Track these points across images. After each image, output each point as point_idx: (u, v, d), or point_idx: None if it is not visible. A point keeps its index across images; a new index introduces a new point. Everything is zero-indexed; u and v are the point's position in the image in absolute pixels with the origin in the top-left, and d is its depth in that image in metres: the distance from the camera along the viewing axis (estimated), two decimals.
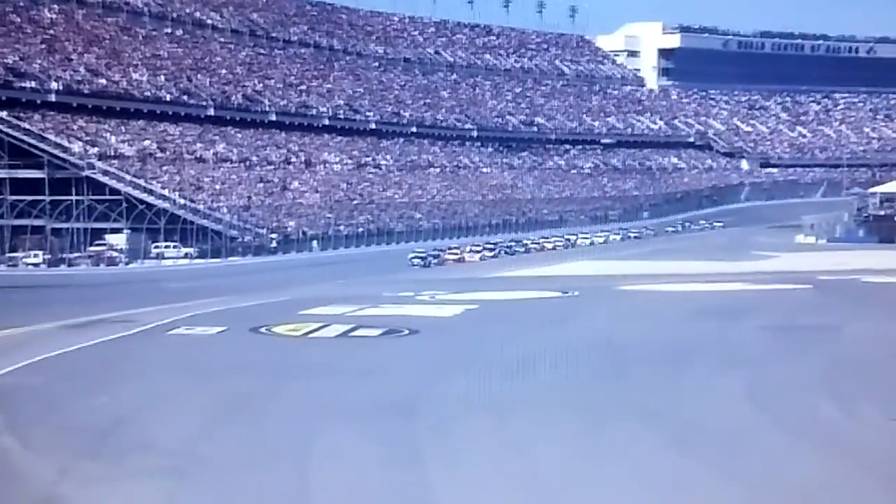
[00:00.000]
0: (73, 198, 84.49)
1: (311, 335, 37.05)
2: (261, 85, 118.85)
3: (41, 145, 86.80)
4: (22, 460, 20.36)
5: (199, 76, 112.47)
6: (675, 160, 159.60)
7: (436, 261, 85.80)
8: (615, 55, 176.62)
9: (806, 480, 18.29)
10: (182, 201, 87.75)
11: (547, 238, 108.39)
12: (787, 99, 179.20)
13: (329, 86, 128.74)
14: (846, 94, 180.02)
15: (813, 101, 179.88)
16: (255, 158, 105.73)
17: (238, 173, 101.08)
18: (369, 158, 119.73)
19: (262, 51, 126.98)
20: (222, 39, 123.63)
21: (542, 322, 41.52)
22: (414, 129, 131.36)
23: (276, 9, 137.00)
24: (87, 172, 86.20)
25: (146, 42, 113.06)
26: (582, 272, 68.13)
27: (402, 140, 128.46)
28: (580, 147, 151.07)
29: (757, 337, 35.67)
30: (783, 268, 69.09)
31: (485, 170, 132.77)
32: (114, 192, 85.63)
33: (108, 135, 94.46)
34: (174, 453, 20.57)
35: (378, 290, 56.80)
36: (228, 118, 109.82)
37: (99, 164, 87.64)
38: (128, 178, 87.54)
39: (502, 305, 48.53)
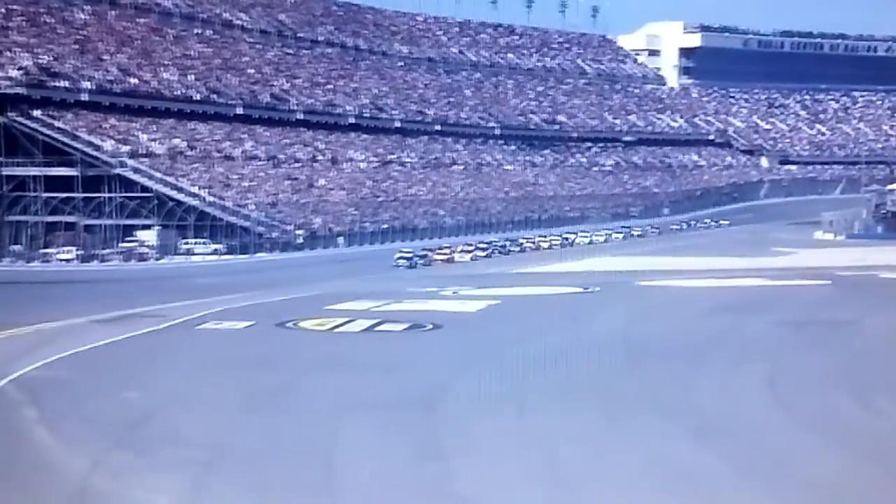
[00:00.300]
0: (105, 195, 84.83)
1: (336, 330, 37.08)
2: (288, 84, 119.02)
3: (74, 144, 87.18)
4: (55, 452, 20.48)
5: (227, 76, 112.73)
6: (695, 157, 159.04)
7: (422, 261, 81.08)
8: (636, 54, 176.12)
9: (822, 473, 18.23)
10: (211, 198, 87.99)
11: (544, 237, 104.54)
12: (807, 97, 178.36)
13: (355, 85, 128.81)
14: (865, 93, 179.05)
15: (832, 100, 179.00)
16: (282, 156, 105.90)
17: (265, 171, 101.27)
18: (394, 156, 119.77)
19: (289, 51, 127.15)
20: (250, 40, 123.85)
21: (563, 317, 41.42)
22: (438, 128, 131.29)
23: (303, 9, 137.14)
24: (118, 170, 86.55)
25: (176, 42, 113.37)
26: (602, 268, 67.91)
27: (426, 138, 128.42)
28: (602, 145, 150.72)
29: (775, 332, 35.51)
30: (802, 264, 68.76)
31: (507, 167, 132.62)
32: (144, 189, 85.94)
33: (138, 133, 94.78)
34: (203, 445, 20.65)
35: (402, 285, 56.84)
36: (256, 117, 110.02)
37: (130, 162, 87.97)
38: (158, 175, 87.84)
39: (524, 301, 48.49)
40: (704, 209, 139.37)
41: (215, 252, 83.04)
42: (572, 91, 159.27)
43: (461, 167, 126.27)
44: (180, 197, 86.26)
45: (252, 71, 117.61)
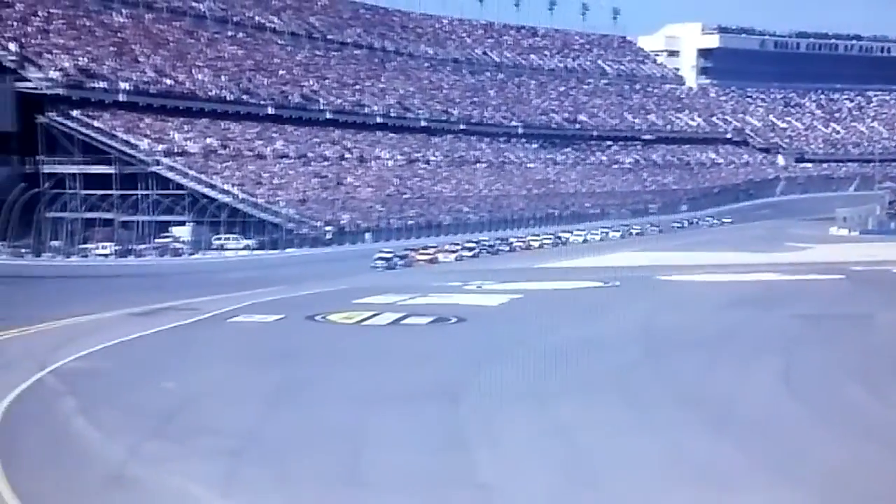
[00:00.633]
0: (141, 192, 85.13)
1: (364, 323, 37.10)
2: (317, 85, 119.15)
3: (111, 143, 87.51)
4: (93, 441, 20.57)
5: (259, 76, 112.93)
6: (712, 155, 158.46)
7: (402, 262, 75.74)
8: (656, 55, 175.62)
9: (837, 464, 18.15)
10: (242, 195, 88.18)
11: (537, 236, 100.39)
12: (822, 96, 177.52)
13: (382, 85, 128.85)
14: (879, 92, 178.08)
15: (847, 99, 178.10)
16: (311, 155, 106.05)
17: (295, 169, 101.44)
18: (420, 154, 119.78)
19: (318, 52, 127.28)
20: (281, 42, 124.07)
21: (584, 311, 41.37)
22: (462, 127, 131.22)
23: (332, 12, 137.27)
24: (153, 168, 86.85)
25: (209, 44, 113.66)
26: (621, 263, 67.71)
27: (450, 137, 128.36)
28: (621, 143, 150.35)
29: (791, 325, 35.35)
30: (817, 259, 68.43)
31: (530, 165, 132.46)
32: (178, 186, 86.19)
33: (173, 132, 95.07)
34: (234, 434, 20.70)
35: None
36: (286, 116, 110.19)
37: (165, 160, 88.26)
38: (192, 173, 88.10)
39: (546, 295, 48.37)
40: (722, 206, 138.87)
41: (246, 247, 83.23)
42: (593, 91, 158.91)
43: (485, 165, 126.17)
44: (213, 194, 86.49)
45: (283, 72, 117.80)
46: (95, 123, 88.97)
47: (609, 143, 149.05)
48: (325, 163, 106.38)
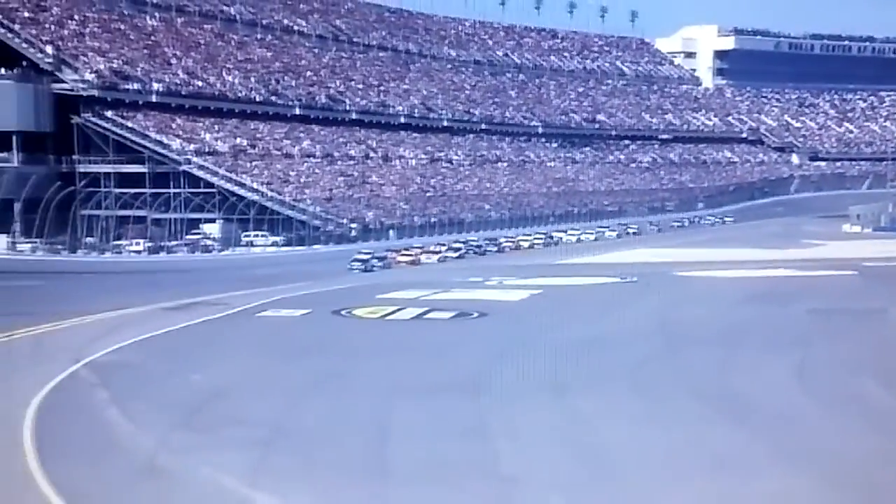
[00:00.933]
0: (172, 190, 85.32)
1: (388, 318, 37.10)
2: (343, 86, 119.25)
3: (143, 142, 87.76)
4: (125, 431, 20.63)
5: (286, 78, 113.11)
6: (728, 154, 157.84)
7: (380, 263, 70.05)
8: (673, 56, 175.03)
9: (851, 454, 18.06)
10: (270, 193, 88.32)
11: (528, 235, 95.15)
12: (836, 97, 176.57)
13: (406, 86, 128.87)
14: (891, 92, 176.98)
15: (860, 99, 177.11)
16: (337, 154, 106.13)
17: (321, 168, 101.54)
18: (442, 153, 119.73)
19: (344, 54, 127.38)
20: (308, 44, 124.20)
21: (603, 306, 41.26)
22: (484, 126, 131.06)
23: (357, 15, 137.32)
24: (184, 167, 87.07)
25: (239, 47, 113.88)
26: (640, 259, 67.47)
27: (472, 136, 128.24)
28: (639, 142, 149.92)
29: (805, 319, 35.21)
30: (830, 255, 68.07)
31: (549, 164, 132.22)
32: (208, 185, 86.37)
33: (203, 133, 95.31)
34: (263, 425, 20.73)
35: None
36: (313, 117, 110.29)
37: (196, 159, 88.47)
38: (221, 172, 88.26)
39: (565, 290, 48.25)
40: (737, 204, 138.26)
41: (274, 244, 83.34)
42: (611, 91, 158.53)
43: (505, 164, 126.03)
44: (242, 192, 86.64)
45: (310, 73, 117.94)
46: (129, 124, 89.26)
47: (627, 142, 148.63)
48: (351, 162, 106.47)
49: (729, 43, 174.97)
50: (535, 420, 20.83)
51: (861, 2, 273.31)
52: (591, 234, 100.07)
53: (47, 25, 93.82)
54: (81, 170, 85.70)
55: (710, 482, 16.65)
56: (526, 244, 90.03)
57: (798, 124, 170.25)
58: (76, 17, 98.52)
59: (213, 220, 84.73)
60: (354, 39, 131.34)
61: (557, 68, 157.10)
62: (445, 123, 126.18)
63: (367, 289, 48.71)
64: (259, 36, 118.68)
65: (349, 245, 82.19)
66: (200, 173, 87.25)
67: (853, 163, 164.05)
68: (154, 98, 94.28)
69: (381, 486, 16.77)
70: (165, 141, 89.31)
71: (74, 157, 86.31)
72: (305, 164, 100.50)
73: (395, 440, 19.59)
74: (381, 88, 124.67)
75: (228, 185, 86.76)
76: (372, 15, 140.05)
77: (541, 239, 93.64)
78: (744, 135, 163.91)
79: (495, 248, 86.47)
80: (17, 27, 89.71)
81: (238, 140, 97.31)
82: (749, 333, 32.26)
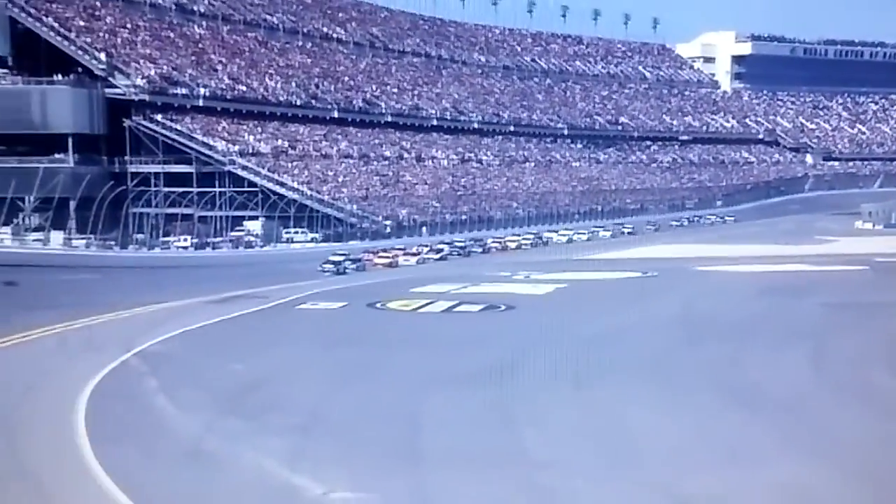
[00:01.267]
0: (217, 190, 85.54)
1: (420, 310, 37.12)
2: (378, 90, 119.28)
3: (190, 144, 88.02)
4: (173, 418, 20.73)
5: (325, 83, 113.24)
6: (745, 155, 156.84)
7: (354, 266, 63.03)
8: (693, 61, 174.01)
9: (863, 442, 17.94)
10: (309, 192, 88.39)
11: (516, 235, 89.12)
12: (848, 99, 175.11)
13: (438, 90, 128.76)
14: None
15: (871, 102, 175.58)
16: (372, 155, 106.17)
17: (358, 168, 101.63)
18: (472, 154, 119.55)
19: (379, 60, 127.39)
20: (346, 51, 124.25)
21: (625, 299, 41.12)
22: (512, 128, 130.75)
23: (392, 23, 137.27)
24: (228, 167, 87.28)
25: (280, 54, 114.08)
26: (661, 255, 67.20)
27: (501, 138, 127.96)
28: (660, 143, 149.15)
29: (819, 312, 34.98)
30: (843, 251, 67.60)
31: (574, 164, 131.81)
32: (251, 184, 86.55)
33: (246, 135, 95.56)
34: (302, 412, 20.78)
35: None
36: (350, 120, 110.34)
37: (239, 160, 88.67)
38: (263, 172, 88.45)
39: (589, 285, 48.11)
40: (754, 202, 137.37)
41: (313, 240, 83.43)
42: (634, 95, 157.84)
43: (533, 164, 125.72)
44: (283, 191, 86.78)
45: (347, 79, 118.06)
46: (177, 126, 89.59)
47: (648, 143, 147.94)
48: (385, 162, 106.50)
49: (746, 48, 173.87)
50: (561, 408, 20.79)
51: (873, 9, 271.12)
52: (584, 233, 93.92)
53: (101, 34, 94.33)
54: (132, 170, 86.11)
55: (726, 467, 16.57)
56: (513, 245, 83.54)
57: (812, 126, 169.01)
58: (128, 25, 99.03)
59: (255, 218, 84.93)
60: (389, 46, 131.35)
61: (582, 73, 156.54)
62: (475, 125, 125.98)
63: (401, 282, 48.76)
64: (299, 43, 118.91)
65: (384, 241, 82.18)
66: (244, 173, 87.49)
67: (865, 162, 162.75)
68: (200, 102, 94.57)
69: (415, 469, 16.78)
70: (211, 143, 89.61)
71: (126, 157, 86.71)
72: (343, 164, 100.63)
73: (427, 426, 19.60)
74: (415, 92, 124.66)
75: (270, 185, 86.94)
76: (406, 23, 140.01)
77: (529, 239, 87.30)
78: (760, 136, 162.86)
79: (480, 250, 79.53)
80: (72, 35, 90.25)
81: (279, 142, 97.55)
82: (765, 325, 32.09)
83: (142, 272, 63.44)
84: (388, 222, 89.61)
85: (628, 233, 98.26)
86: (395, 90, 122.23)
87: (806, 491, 15.55)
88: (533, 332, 31.73)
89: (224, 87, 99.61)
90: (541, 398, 21.56)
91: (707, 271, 52.92)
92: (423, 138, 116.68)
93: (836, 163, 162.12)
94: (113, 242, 75.79)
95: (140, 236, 79.55)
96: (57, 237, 76.15)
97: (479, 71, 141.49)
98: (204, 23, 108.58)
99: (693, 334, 30.56)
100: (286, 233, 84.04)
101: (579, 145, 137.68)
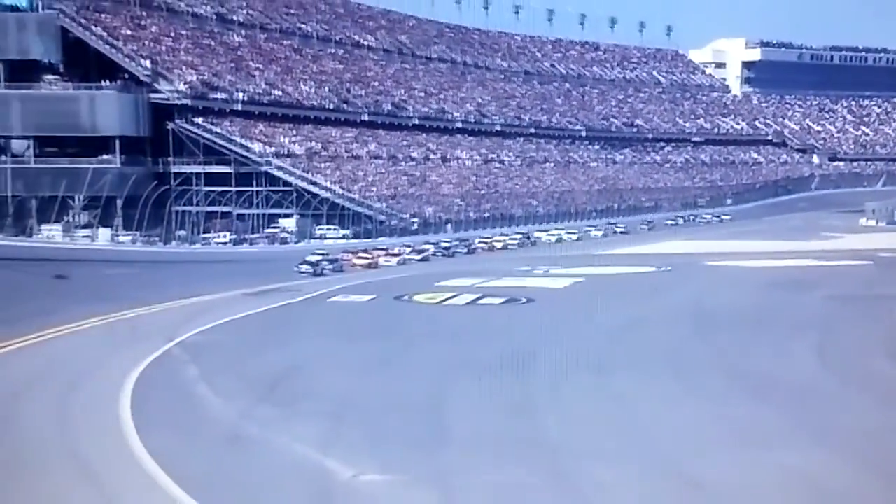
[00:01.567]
0: (254, 189, 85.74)
1: (444, 303, 37.05)
2: (406, 94, 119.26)
3: (229, 146, 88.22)
4: (212, 404, 20.79)
5: (355, 88, 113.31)
6: (755, 155, 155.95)
7: (330, 266, 57.92)
8: (705, 66, 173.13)
9: (866, 427, 17.82)
10: (341, 191, 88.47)
11: (505, 235, 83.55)
12: (853, 103, 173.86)
13: (462, 94, 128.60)
14: None
15: (875, 105, 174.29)
16: (400, 156, 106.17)
17: (386, 168, 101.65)
18: (495, 155, 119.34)
19: (407, 66, 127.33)
20: (375, 57, 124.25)
21: (640, 292, 40.95)
22: (532, 130, 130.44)
23: (419, 31, 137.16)
24: (265, 168, 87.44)
25: (314, 60, 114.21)
26: (673, 251, 66.87)
27: (522, 139, 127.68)
28: (673, 144, 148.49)
29: (824, 305, 34.75)
30: (848, 246, 67.10)
31: (592, 164, 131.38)
32: (286, 184, 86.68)
33: (282, 137, 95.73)
34: (334, 399, 20.79)
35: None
36: (379, 122, 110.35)
37: (275, 161, 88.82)
38: (297, 172, 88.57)
39: (605, 279, 47.88)
40: (763, 200, 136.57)
41: (344, 237, 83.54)
42: (648, 99, 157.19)
43: (552, 164, 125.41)
44: (316, 190, 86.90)
45: (376, 83, 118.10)
46: (216, 129, 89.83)
47: (662, 144, 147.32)
48: (413, 163, 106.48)
49: (756, 54, 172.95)
50: (579, 395, 20.74)
51: (877, 17, 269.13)
52: (575, 233, 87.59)
53: (146, 42, 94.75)
54: (175, 170, 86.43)
55: (737, 451, 16.49)
56: (499, 245, 77.91)
57: (818, 128, 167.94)
58: (171, 34, 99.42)
59: (289, 215, 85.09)
60: (416, 53, 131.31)
61: (599, 78, 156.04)
62: (498, 128, 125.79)
63: (426, 277, 48.71)
64: (332, 50, 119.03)
65: (411, 237, 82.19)
66: (279, 173, 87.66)
67: (869, 163, 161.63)
68: (239, 106, 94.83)
69: (441, 453, 16.77)
70: (248, 144, 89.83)
71: (169, 158, 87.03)
72: (372, 164, 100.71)
73: (452, 413, 19.57)
74: (441, 96, 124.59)
75: (304, 184, 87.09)
76: (432, 31, 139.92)
77: (516, 239, 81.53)
78: (769, 137, 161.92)
79: (465, 250, 73.16)
80: (119, 44, 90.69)
81: (312, 144, 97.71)
82: (774, 317, 31.89)
83: (183, 266, 63.68)
84: (415, 219, 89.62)
85: (621, 232, 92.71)
86: (422, 94, 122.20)
87: (811, 471, 15.46)
88: (553, 323, 31.63)
89: (261, 91, 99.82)
90: (561, 385, 21.51)
91: (718, 266, 52.63)
92: (448, 140, 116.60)
93: (841, 163, 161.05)
94: (157, 238, 76.15)
95: (182, 233, 79.87)
96: (104, 233, 76.62)
97: (502, 76, 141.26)
98: (242, 31, 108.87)
99: (704, 326, 30.39)
100: (318, 229, 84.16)
101: (596, 146, 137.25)
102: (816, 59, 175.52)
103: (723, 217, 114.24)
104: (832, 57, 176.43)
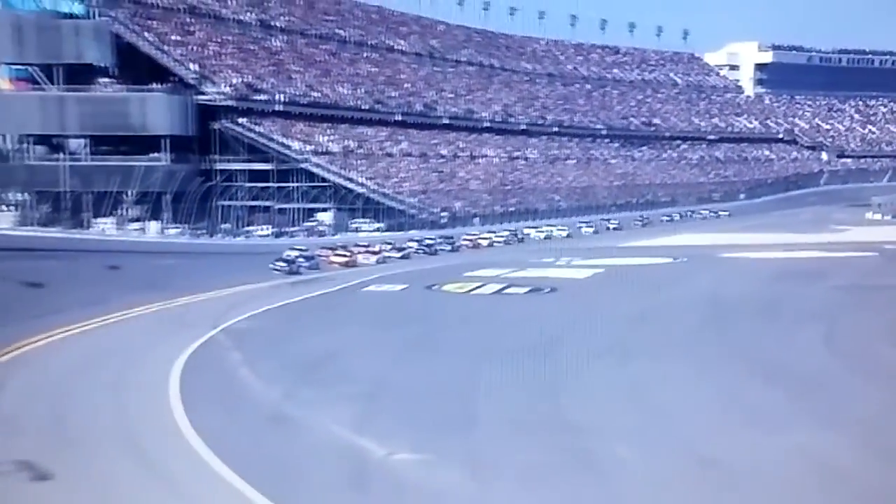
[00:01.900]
0: (293, 185, 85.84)
1: (472, 292, 37.02)
2: (436, 96, 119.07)
3: (270, 144, 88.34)
4: (255, 386, 20.90)
5: (389, 89, 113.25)
6: (766, 152, 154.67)
7: (307, 264, 52.36)
8: (719, 68, 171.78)
9: (871, 412, 17.68)
10: (374, 187, 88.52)
11: (493, 231, 78.89)
12: (860, 103, 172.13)
13: (489, 96, 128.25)
14: None
15: (881, 105, 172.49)
16: (430, 153, 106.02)
17: (417, 165, 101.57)
18: (520, 153, 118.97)
19: (437, 69, 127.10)
20: (407, 60, 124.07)
21: (657, 282, 40.75)
22: (555, 129, 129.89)
23: (449, 36, 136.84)
24: (303, 165, 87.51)
25: (350, 64, 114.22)
26: (689, 243, 66.43)
27: (545, 138, 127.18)
28: (689, 142, 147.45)
29: (832, 294, 34.46)
30: (855, 239, 66.49)
31: (612, 161, 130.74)
32: (323, 180, 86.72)
33: (319, 136, 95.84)
34: (369, 382, 20.84)
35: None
36: (411, 122, 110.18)
37: (313, 158, 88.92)
38: (334, 169, 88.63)
39: (624, 270, 47.70)
40: (774, 195, 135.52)
41: (377, 230, 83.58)
42: (666, 99, 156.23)
43: (574, 161, 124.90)
44: (351, 186, 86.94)
45: (408, 85, 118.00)
46: (258, 129, 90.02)
47: (679, 142, 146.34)
48: (442, 160, 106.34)
49: (768, 57, 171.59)
50: (600, 378, 20.69)
51: (884, 21, 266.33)
52: (564, 230, 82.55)
53: (193, 47, 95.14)
54: (219, 167, 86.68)
55: (749, 432, 16.41)
56: (485, 242, 72.93)
57: (827, 126, 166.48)
58: (216, 39, 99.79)
59: (326, 210, 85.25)
60: (446, 56, 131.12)
61: (619, 79, 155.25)
62: (523, 127, 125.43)
63: (455, 268, 48.68)
64: (366, 54, 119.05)
65: (441, 230, 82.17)
66: (317, 170, 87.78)
67: (875, 159, 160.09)
68: (279, 107, 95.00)
69: (470, 434, 16.78)
70: (288, 143, 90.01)
71: (214, 156, 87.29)
72: (404, 162, 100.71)
73: (480, 395, 19.57)
74: (469, 97, 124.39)
75: (340, 180, 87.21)
76: (461, 35, 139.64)
77: (503, 236, 76.27)
78: (780, 136, 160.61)
79: (449, 248, 67.74)
80: (168, 48, 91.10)
81: (348, 142, 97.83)
82: (783, 306, 31.65)
83: (227, 258, 64.00)
84: (444, 213, 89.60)
85: (613, 228, 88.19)
86: (451, 95, 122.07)
87: (820, 451, 15.38)
88: (574, 311, 31.56)
89: (300, 93, 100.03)
90: (584, 369, 21.46)
91: (732, 258, 52.31)
92: (475, 138, 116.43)
93: (849, 160, 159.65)
94: (203, 231, 76.52)
95: (226, 226, 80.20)
96: (154, 227, 77.10)
97: (527, 78, 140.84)
98: (283, 37, 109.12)
99: (719, 314, 30.22)
100: (353, 223, 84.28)
101: (616, 144, 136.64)
102: (825, 62, 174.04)
103: (720, 213, 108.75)
104: (840, 59, 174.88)
